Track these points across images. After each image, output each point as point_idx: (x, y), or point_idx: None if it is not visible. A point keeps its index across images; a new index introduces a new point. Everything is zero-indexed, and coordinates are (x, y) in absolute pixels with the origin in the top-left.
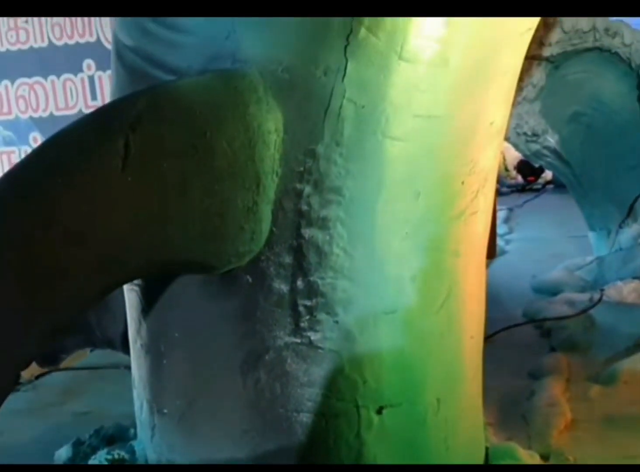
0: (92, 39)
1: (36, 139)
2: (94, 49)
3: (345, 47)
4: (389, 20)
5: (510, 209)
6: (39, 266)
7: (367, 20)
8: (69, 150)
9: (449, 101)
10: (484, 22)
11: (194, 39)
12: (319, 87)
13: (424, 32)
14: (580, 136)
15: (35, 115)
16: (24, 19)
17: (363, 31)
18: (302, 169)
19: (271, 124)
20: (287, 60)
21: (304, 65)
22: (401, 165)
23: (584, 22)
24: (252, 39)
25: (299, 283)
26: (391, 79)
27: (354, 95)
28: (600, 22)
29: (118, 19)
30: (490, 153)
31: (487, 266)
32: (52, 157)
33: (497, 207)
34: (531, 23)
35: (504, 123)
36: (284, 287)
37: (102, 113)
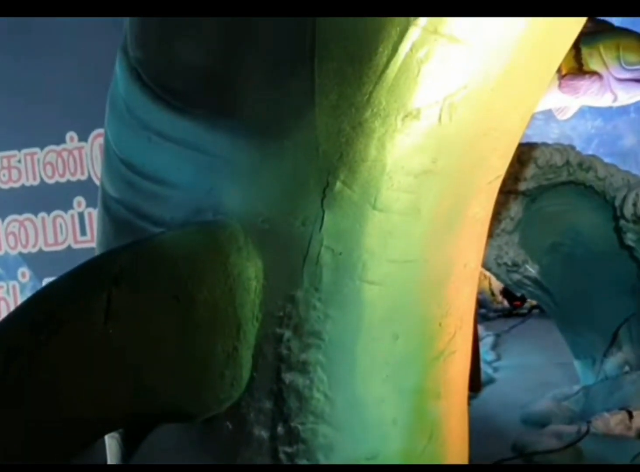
0: (83, 177)
1: (24, 274)
2: (84, 187)
3: (322, 199)
4: (363, 174)
5: (498, 335)
6: (18, 420)
7: (342, 174)
8: (54, 305)
9: (422, 247)
10: (454, 174)
11: (177, 193)
12: (297, 236)
13: (396, 184)
14: (560, 266)
15: (25, 250)
16: (17, 158)
17: (338, 185)
18: (282, 313)
19: (251, 271)
20: (267, 213)
21: (283, 216)
22: (379, 308)
23: (557, 157)
24: (233, 194)
25: (280, 429)
26: (366, 227)
27: (331, 243)
28: (573, 157)
29: (103, 171)
30: (466, 294)
31: (475, 397)
32: (39, 311)
33: (484, 333)
34: (500, 171)
35: (478, 264)
36: (264, 434)
37: (86, 268)
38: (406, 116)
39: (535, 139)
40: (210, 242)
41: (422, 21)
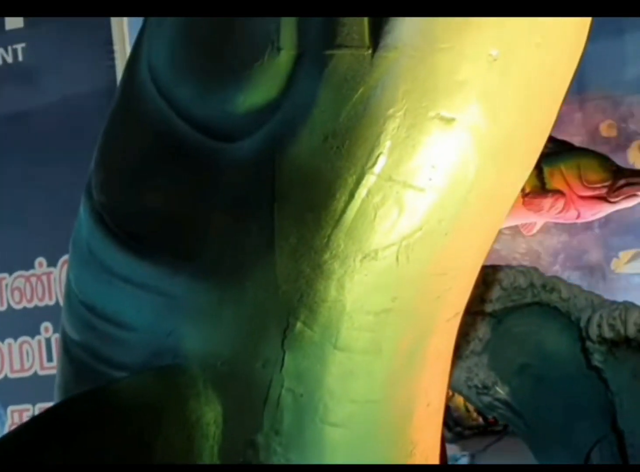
0: (51, 302)
1: None
2: (52, 312)
3: (283, 340)
4: (323, 314)
5: (473, 455)
6: None
7: (302, 315)
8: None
9: (384, 386)
10: (413, 312)
11: (137, 336)
12: (257, 379)
13: (356, 323)
14: (529, 387)
15: None
16: None
17: (299, 325)
18: (241, 459)
19: (210, 416)
20: (226, 354)
21: (243, 358)
22: (341, 450)
23: (521, 279)
24: (193, 336)
25: None
26: (327, 367)
27: (292, 385)
28: (537, 278)
29: (63, 313)
30: (430, 433)
31: None
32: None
33: (459, 454)
34: (458, 308)
35: (442, 403)
36: None
37: (45, 417)
38: (364, 257)
39: (503, 253)
40: (168, 387)
41: (377, 168)
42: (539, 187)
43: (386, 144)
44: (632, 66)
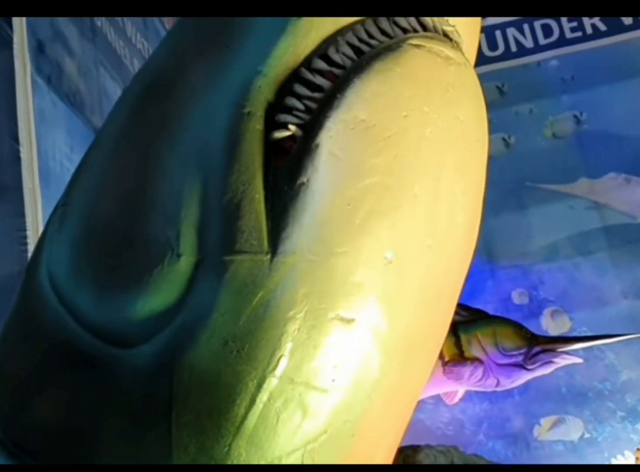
0: None
1: None
2: None
3: None
4: None
5: None
6: None
7: None
8: None
9: None
10: None
11: None
12: None
13: None
14: None
15: None
16: None
17: None
18: None
19: None
20: None
21: None
22: None
23: (442, 459)
24: None
25: None
26: None
27: None
28: (457, 457)
29: None
30: None
31: None
32: None
33: None
34: None
35: None
36: None
37: None
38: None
39: (427, 423)
40: None
41: (279, 371)
42: (457, 356)
43: (287, 346)
44: (537, 237)
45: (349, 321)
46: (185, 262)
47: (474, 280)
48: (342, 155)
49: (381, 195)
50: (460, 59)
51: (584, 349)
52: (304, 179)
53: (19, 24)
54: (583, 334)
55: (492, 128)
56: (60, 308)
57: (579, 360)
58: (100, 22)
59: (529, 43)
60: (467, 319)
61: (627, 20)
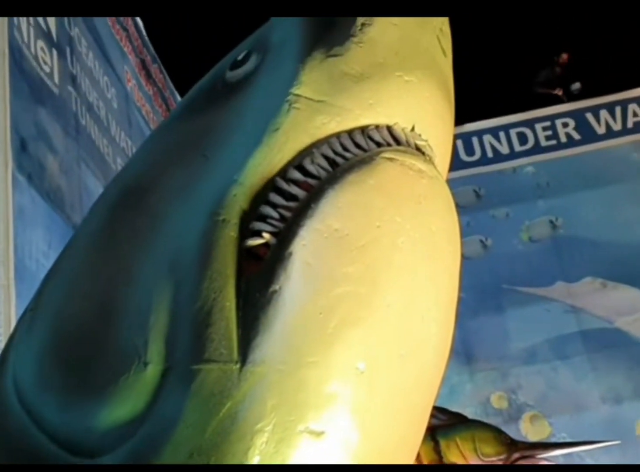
0: None
1: None
2: None
3: None
4: None
5: None
6: None
7: None
8: None
9: None
10: None
11: None
12: None
13: None
14: None
15: None
16: None
17: None
18: None
19: None
20: None
21: None
22: None
23: None
24: None
25: None
26: None
27: None
28: None
29: None
30: None
31: None
32: None
33: None
34: None
35: None
36: None
37: None
38: None
39: None
40: None
41: None
42: (436, 461)
43: (254, 460)
44: (515, 340)
45: (319, 433)
46: (152, 371)
47: (452, 383)
48: (315, 264)
49: (354, 304)
50: (432, 172)
51: (564, 455)
52: (276, 286)
53: (3, 121)
54: (562, 440)
55: (469, 230)
56: (24, 415)
57: None
58: (85, 120)
59: (504, 149)
60: (446, 423)
61: (600, 130)
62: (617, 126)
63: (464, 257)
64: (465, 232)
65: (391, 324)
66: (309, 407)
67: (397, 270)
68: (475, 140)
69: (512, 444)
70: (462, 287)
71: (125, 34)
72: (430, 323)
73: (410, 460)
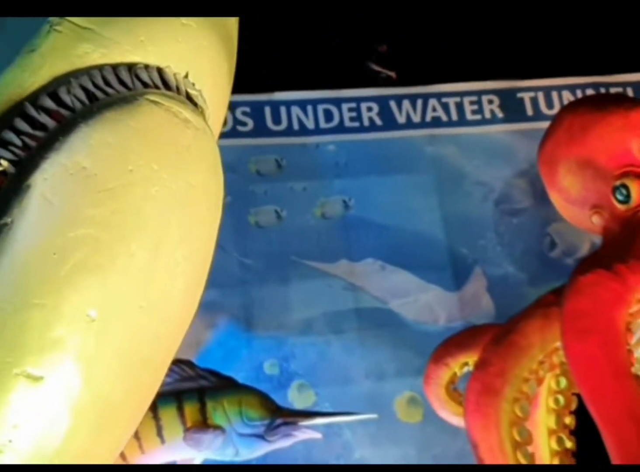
0: None
1: None
2: None
3: None
4: None
5: None
6: None
7: None
8: None
9: None
10: None
11: None
12: None
13: None
14: None
15: None
16: None
17: None
18: None
19: None
20: None
21: None
22: None
23: None
24: None
25: None
26: None
27: None
28: None
29: None
30: None
31: None
32: None
33: None
34: None
35: None
36: None
37: None
38: None
39: None
40: None
41: None
42: (200, 422)
43: None
44: (295, 311)
45: (37, 378)
46: None
47: (229, 347)
48: (56, 201)
49: (93, 249)
50: (200, 124)
51: (324, 425)
52: (7, 219)
53: None
54: (325, 410)
55: (266, 199)
56: None
57: (317, 435)
58: None
59: (310, 124)
60: (215, 386)
61: (401, 119)
62: (416, 118)
63: (258, 226)
64: (261, 200)
65: (133, 274)
66: (30, 350)
67: (146, 219)
68: (283, 109)
69: (277, 410)
70: (251, 254)
71: None
72: (178, 278)
73: (141, 411)
